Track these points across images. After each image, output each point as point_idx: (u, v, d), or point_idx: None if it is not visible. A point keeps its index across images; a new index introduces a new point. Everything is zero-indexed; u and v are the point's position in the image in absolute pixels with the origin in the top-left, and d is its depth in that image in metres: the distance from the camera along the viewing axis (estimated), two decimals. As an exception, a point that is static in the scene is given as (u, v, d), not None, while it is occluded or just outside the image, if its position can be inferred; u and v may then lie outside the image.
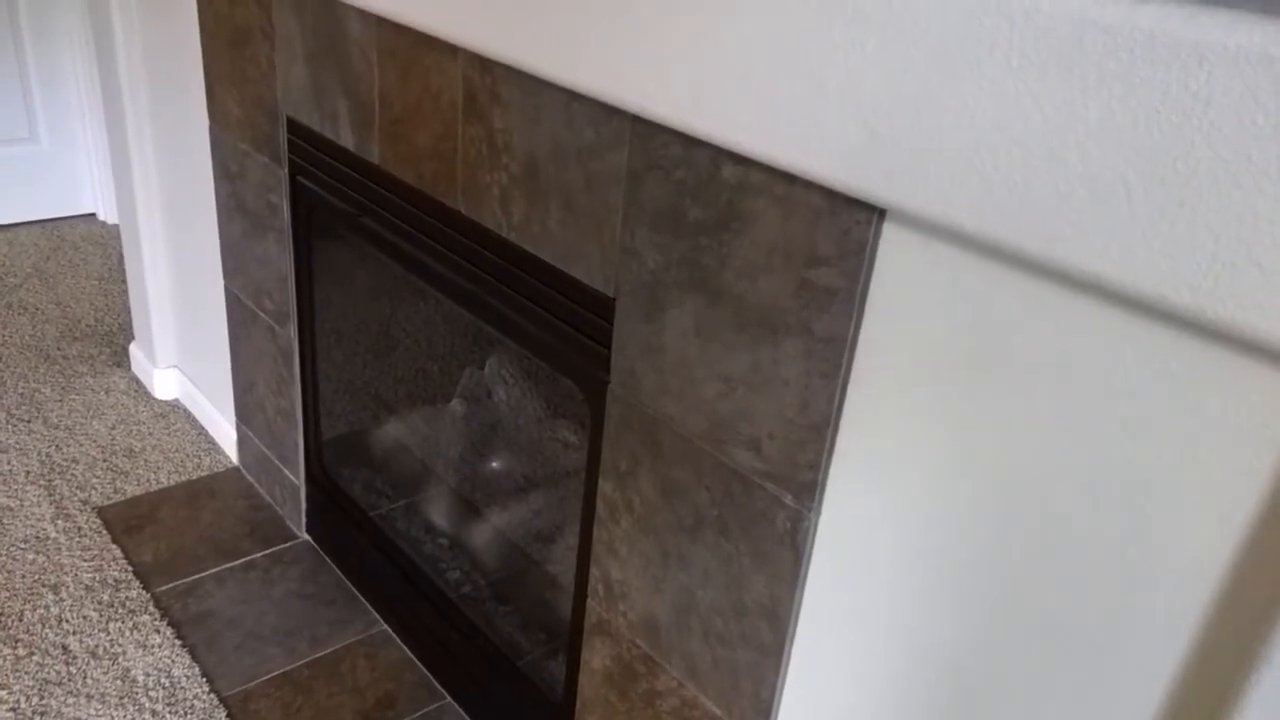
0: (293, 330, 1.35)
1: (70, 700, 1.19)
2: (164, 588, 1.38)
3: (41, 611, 1.31)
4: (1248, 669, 0.50)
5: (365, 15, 1.02)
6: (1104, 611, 0.57)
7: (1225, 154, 0.44)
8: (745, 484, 0.75)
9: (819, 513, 0.71)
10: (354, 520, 1.39)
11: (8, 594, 1.33)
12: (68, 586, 1.36)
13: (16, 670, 1.22)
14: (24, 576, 1.37)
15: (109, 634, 1.29)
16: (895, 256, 0.62)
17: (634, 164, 0.76)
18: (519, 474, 1.37)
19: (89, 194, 2.45)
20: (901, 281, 0.62)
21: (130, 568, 1.40)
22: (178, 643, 1.28)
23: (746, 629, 0.79)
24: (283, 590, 1.39)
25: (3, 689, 1.20)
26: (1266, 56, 0.42)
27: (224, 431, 1.65)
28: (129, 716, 1.18)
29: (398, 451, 1.50)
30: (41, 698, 1.19)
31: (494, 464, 1.39)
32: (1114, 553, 0.56)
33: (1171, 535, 0.53)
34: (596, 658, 0.96)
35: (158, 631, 1.30)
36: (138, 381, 1.83)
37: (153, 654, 1.26)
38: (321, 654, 1.29)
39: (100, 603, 1.34)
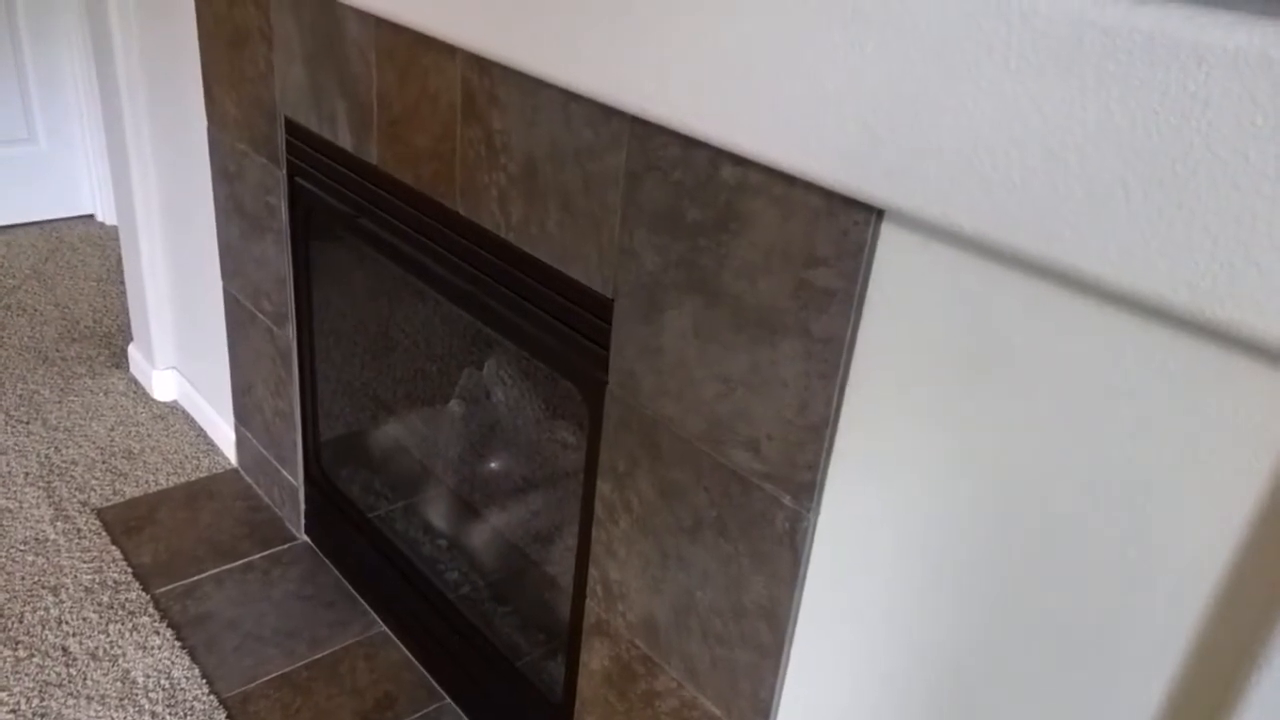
0: (291, 331, 1.35)
1: (70, 702, 1.19)
2: (163, 589, 1.37)
3: (41, 613, 1.31)
4: (1248, 669, 0.50)
5: (363, 16, 1.01)
6: (1104, 611, 0.57)
7: (1224, 155, 0.44)
8: (744, 485, 0.75)
9: (818, 513, 0.71)
10: (353, 521, 1.39)
11: (7, 596, 1.33)
12: (67, 588, 1.36)
13: (17, 672, 1.22)
14: (23, 578, 1.37)
15: (109, 635, 1.29)
16: (894, 257, 0.62)
17: (632, 165, 0.76)
18: (517, 475, 1.37)
19: (87, 195, 2.45)
20: (900, 282, 0.62)
21: (130, 569, 1.40)
22: (177, 644, 1.28)
23: (745, 629, 0.79)
24: (282, 591, 1.39)
25: (3, 691, 1.20)
26: (1265, 58, 0.42)
27: (223, 433, 1.65)
28: (129, 718, 1.18)
29: (396, 452, 1.50)
30: (42, 699, 1.19)
31: (492, 465, 1.39)
32: (1113, 553, 0.56)
33: (1171, 535, 0.53)
34: (595, 658, 0.96)
35: (157, 633, 1.30)
36: (136, 383, 1.82)
37: (152, 655, 1.26)
38: (321, 655, 1.29)
39: (100, 604, 1.33)
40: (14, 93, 2.28)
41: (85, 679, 1.22)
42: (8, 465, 1.58)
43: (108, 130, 1.64)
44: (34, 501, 1.51)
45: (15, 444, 1.63)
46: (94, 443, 1.65)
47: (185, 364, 1.74)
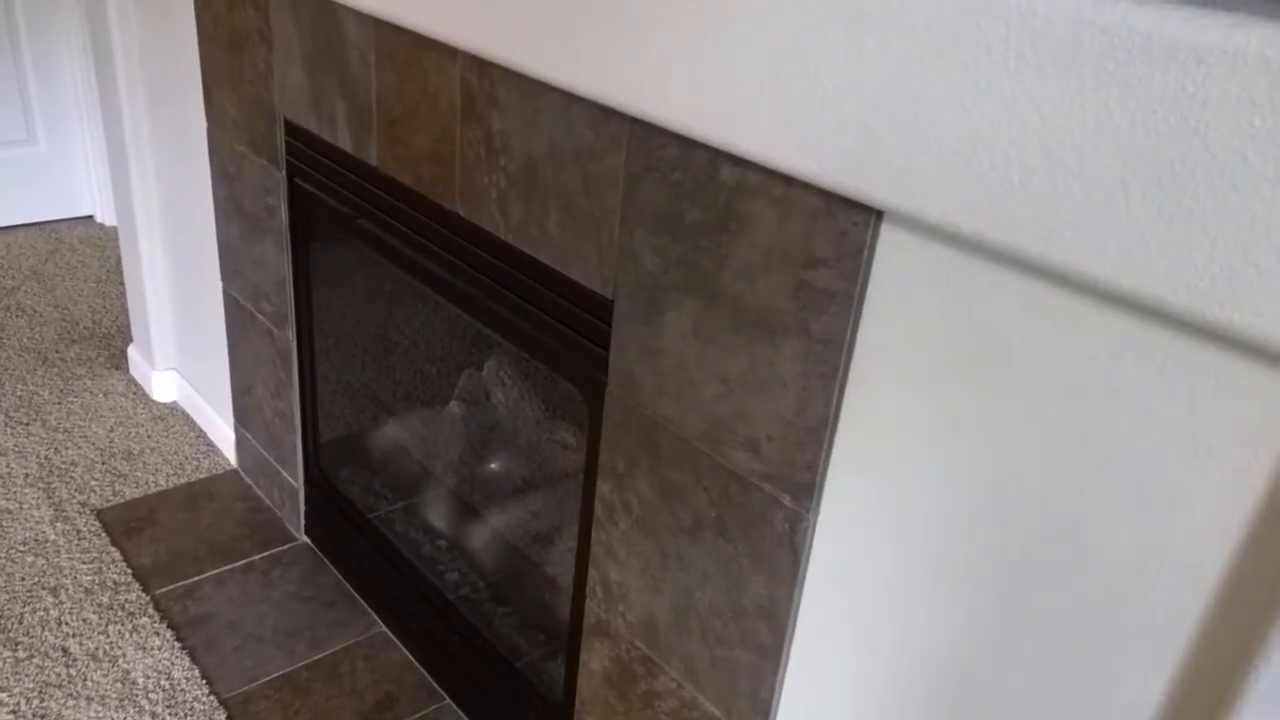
0: (291, 332, 1.35)
1: (70, 703, 1.19)
2: (163, 590, 1.37)
3: (41, 614, 1.31)
4: (1248, 668, 0.50)
5: (363, 17, 1.02)
6: (1104, 611, 0.57)
7: (1222, 155, 0.44)
8: (743, 485, 0.75)
9: (817, 513, 0.71)
10: (353, 522, 1.39)
11: (7, 596, 1.33)
12: (67, 589, 1.36)
13: (16, 673, 1.22)
14: (23, 579, 1.37)
15: (109, 636, 1.29)
16: (893, 258, 0.62)
17: (632, 166, 0.76)
18: (517, 476, 1.37)
19: (87, 196, 2.45)
20: (899, 282, 0.62)
21: (129, 570, 1.40)
22: (177, 645, 1.28)
23: (745, 630, 0.79)
24: (282, 592, 1.39)
25: (3, 692, 1.20)
26: (1263, 58, 0.42)
27: (222, 434, 1.65)
28: (129, 718, 1.18)
29: (396, 453, 1.50)
30: (42, 700, 1.19)
31: (492, 466, 1.39)
32: (1113, 552, 0.56)
33: (1170, 535, 0.53)
34: (595, 659, 0.96)
35: (157, 634, 1.30)
36: (136, 384, 1.82)
37: (152, 656, 1.26)
38: (321, 656, 1.29)
39: (100, 605, 1.33)
40: (14, 94, 2.28)
41: (85, 680, 1.22)
42: (7, 466, 1.58)
43: (107, 132, 1.64)
44: (34, 502, 1.51)
45: (15, 445, 1.63)
46: (94, 444, 1.65)
47: (185, 365, 1.74)
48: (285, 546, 1.48)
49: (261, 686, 1.24)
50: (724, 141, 0.65)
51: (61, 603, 1.33)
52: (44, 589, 1.35)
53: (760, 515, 0.75)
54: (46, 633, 1.28)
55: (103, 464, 1.61)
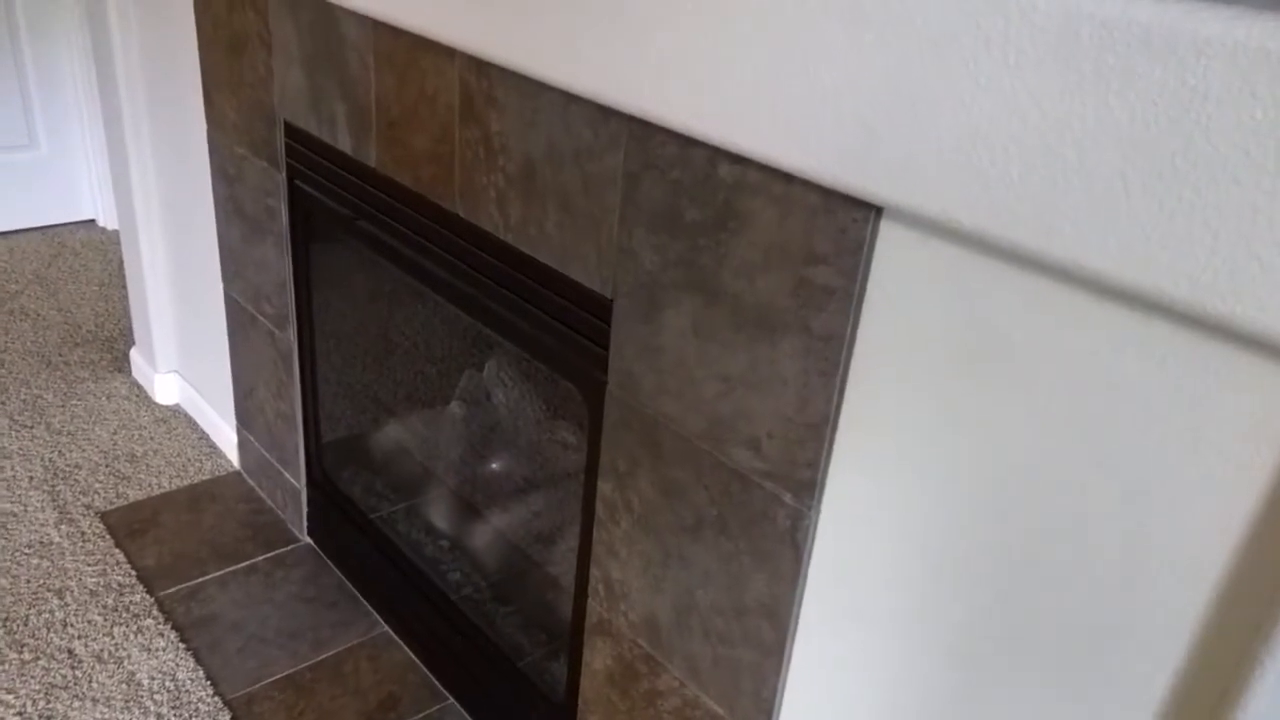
0: (292, 334, 1.35)
1: (76, 704, 1.19)
2: (167, 591, 1.38)
3: (46, 616, 1.32)
4: (1251, 664, 0.50)
5: (362, 19, 1.01)
6: (1105, 608, 0.57)
7: (1223, 148, 0.44)
8: (744, 483, 0.75)
9: (819, 511, 0.71)
10: (355, 523, 1.39)
11: (13, 599, 1.34)
12: (72, 591, 1.36)
13: (23, 675, 1.23)
14: (29, 581, 1.37)
15: (113, 638, 1.29)
16: (893, 254, 0.62)
17: (630, 165, 0.76)
18: (518, 476, 1.37)
19: (88, 200, 2.45)
20: (899, 279, 0.62)
21: (134, 572, 1.40)
22: (181, 646, 1.28)
23: (747, 628, 0.79)
24: (285, 593, 1.39)
25: (10, 693, 1.20)
26: (1264, 50, 0.42)
27: (225, 435, 1.65)
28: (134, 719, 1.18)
29: (398, 454, 1.50)
30: (48, 701, 1.19)
31: (494, 466, 1.39)
32: (1115, 547, 0.56)
33: (1172, 530, 0.53)
34: (598, 658, 0.96)
35: (161, 635, 1.30)
36: (139, 386, 1.83)
37: (157, 657, 1.27)
38: (324, 656, 1.29)
39: (104, 607, 1.34)
40: (15, 99, 2.28)
41: (90, 681, 1.23)
42: (12, 469, 1.58)
43: (108, 135, 1.64)
44: (38, 505, 1.51)
45: (19, 448, 1.63)
46: (97, 446, 1.66)
47: (187, 367, 1.75)
48: (288, 547, 1.48)
49: (265, 687, 1.24)
50: (723, 139, 0.65)
51: (67, 605, 1.34)
52: (49, 591, 1.36)
53: (761, 513, 0.75)
54: (52, 635, 1.29)
55: (106, 466, 1.61)
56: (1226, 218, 0.45)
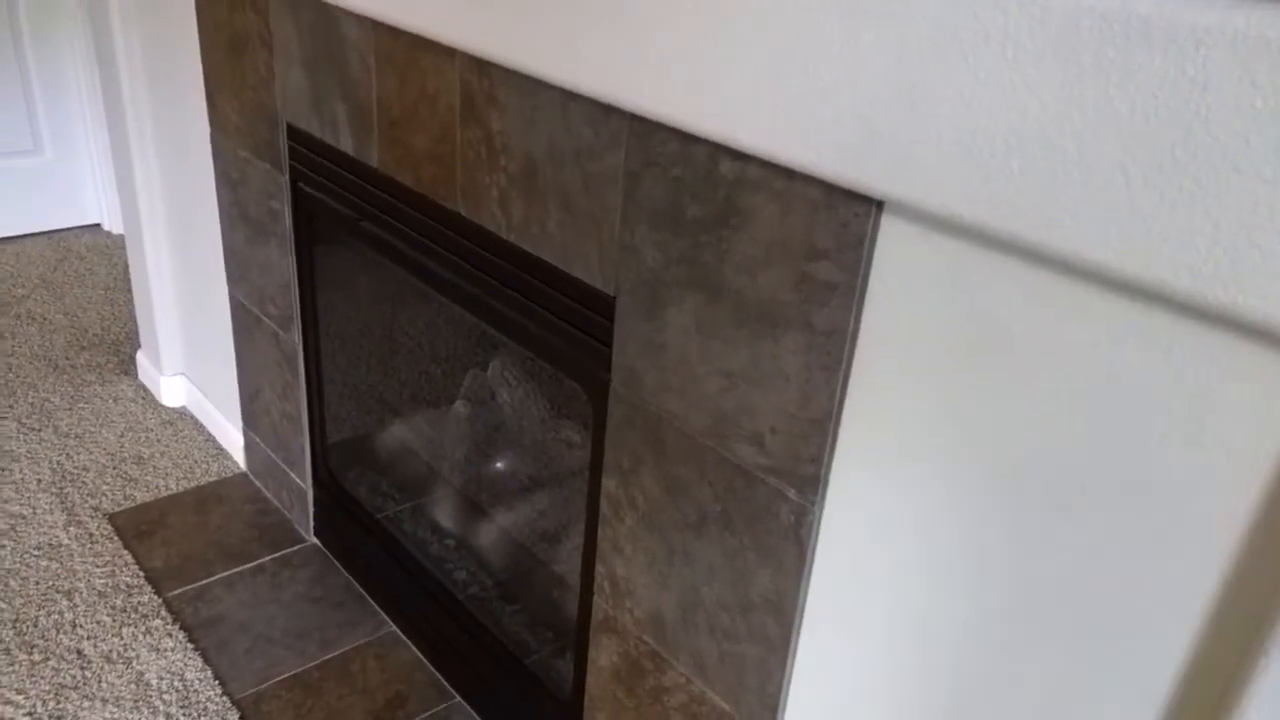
0: (297, 335, 1.35)
1: (86, 704, 1.20)
2: (175, 592, 1.38)
3: (56, 617, 1.32)
4: (1256, 657, 0.49)
5: (362, 20, 1.02)
6: (1107, 600, 0.57)
7: (1224, 138, 0.44)
8: (748, 479, 0.75)
9: (823, 506, 0.71)
10: (361, 523, 1.39)
11: (23, 600, 1.35)
12: (81, 592, 1.37)
13: (33, 675, 1.23)
14: (38, 583, 1.38)
15: (122, 639, 1.30)
16: (894, 248, 0.62)
17: (632, 163, 0.76)
18: (523, 474, 1.37)
19: (93, 205, 2.46)
20: (901, 273, 0.62)
21: (142, 573, 1.41)
22: (190, 646, 1.29)
23: (752, 624, 0.79)
24: (292, 593, 1.40)
25: (20, 694, 1.21)
26: (1263, 39, 0.42)
27: (231, 437, 1.66)
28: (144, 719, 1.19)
29: (403, 454, 1.50)
30: (58, 702, 1.20)
31: (498, 465, 1.39)
32: (1118, 536, 0.56)
33: (1175, 521, 0.53)
34: (604, 655, 0.97)
35: (170, 635, 1.30)
36: (145, 389, 1.84)
37: (165, 658, 1.27)
38: (331, 655, 1.30)
39: (113, 608, 1.34)
40: (19, 105, 2.29)
41: (100, 681, 1.23)
42: (21, 472, 1.59)
43: (112, 140, 1.65)
44: (47, 507, 1.52)
45: (28, 451, 1.64)
46: (104, 449, 1.66)
47: (193, 370, 1.75)
48: (295, 548, 1.49)
49: (273, 686, 1.25)
50: (724, 136, 0.65)
51: (75, 606, 1.34)
52: (58, 592, 1.36)
53: (765, 509, 0.75)
54: (61, 635, 1.30)
55: (114, 469, 1.62)
56: (1227, 207, 0.45)
